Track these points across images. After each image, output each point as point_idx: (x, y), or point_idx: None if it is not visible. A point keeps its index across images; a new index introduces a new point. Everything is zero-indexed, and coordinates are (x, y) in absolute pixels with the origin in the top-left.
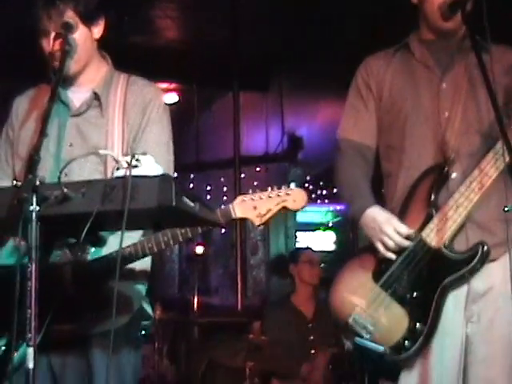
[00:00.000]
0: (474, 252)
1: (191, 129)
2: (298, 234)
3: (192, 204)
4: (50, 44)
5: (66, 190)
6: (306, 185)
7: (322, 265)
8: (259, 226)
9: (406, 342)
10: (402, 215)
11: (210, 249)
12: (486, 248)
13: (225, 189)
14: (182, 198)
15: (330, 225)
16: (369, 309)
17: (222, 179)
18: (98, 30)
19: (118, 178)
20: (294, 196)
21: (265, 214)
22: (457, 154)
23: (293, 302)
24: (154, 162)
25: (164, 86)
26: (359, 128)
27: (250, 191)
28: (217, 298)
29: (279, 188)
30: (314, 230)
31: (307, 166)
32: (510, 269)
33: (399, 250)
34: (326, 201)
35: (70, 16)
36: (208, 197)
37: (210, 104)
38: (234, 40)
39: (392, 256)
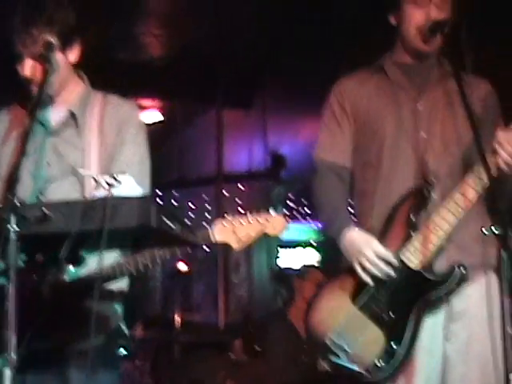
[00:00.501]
0: (451, 272)
1: (174, 145)
2: (280, 251)
3: (172, 224)
4: (24, 70)
5: (45, 209)
6: (289, 202)
7: None
8: (238, 250)
9: (380, 362)
10: (382, 236)
11: (193, 266)
12: (463, 269)
13: (208, 206)
14: (162, 219)
15: (313, 242)
16: (346, 329)
17: (205, 196)
18: (73, 54)
19: (97, 197)
20: (273, 222)
21: (244, 240)
22: (436, 174)
23: (289, 317)
24: (134, 182)
25: (147, 102)
26: (334, 149)
27: (230, 215)
28: (199, 316)
29: (259, 213)
30: (295, 247)
31: (290, 184)
32: (486, 291)
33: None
34: (309, 218)
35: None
36: (191, 214)
37: (192, 121)
38: (218, 57)
39: (368, 280)
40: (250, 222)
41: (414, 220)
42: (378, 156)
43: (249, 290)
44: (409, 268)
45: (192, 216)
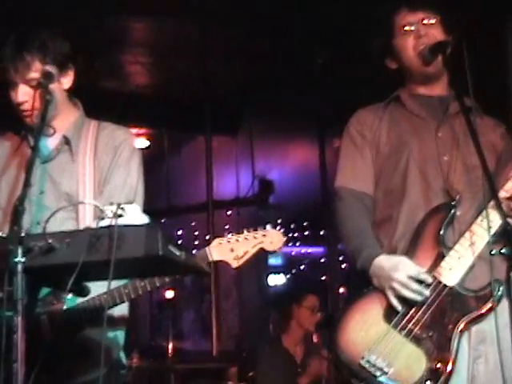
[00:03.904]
0: (490, 290)
1: (161, 173)
2: (270, 276)
3: (178, 252)
4: (17, 96)
5: (50, 240)
6: (278, 228)
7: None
8: (237, 268)
9: (428, 382)
10: (410, 254)
11: (181, 293)
12: (502, 286)
13: (196, 233)
14: (169, 247)
15: (302, 267)
16: (383, 350)
17: (194, 223)
18: (67, 81)
19: (103, 227)
20: (270, 237)
21: (242, 256)
22: (460, 193)
23: (284, 343)
24: (139, 211)
25: (134, 130)
26: (357, 176)
27: (226, 234)
28: (189, 343)
29: (255, 230)
30: (284, 273)
31: (278, 210)
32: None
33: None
34: (298, 244)
35: (36, 68)
36: (179, 241)
37: (179, 148)
38: (205, 84)
39: (399, 307)
40: (246, 239)
41: (443, 236)
42: (403, 182)
43: (240, 316)
44: (445, 286)
45: (181, 243)
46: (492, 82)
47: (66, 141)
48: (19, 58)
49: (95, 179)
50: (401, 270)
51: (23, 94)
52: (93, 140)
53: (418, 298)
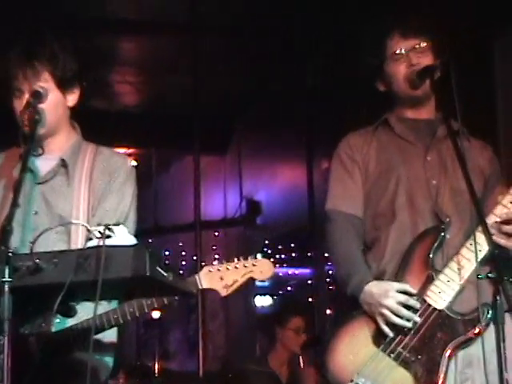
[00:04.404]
0: (479, 313)
1: (149, 193)
2: (257, 298)
3: (166, 274)
4: (22, 105)
5: (37, 260)
6: (265, 249)
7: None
8: (225, 296)
9: None
10: (400, 277)
11: (168, 313)
12: (490, 310)
13: (183, 253)
14: (156, 268)
15: (289, 288)
16: (371, 373)
17: (181, 243)
18: (72, 98)
19: (90, 247)
20: (260, 267)
21: (231, 285)
22: (449, 216)
23: (270, 364)
24: (127, 233)
25: (122, 150)
26: (348, 199)
27: (216, 261)
28: (175, 363)
29: (245, 258)
30: (271, 295)
31: (266, 230)
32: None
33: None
34: (285, 265)
35: (45, 78)
36: (167, 261)
37: (167, 167)
38: (193, 104)
39: (390, 333)
40: (236, 267)
41: (432, 260)
42: (391, 206)
43: (226, 337)
44: (434, 309)
45: (168, 263)
46: (479, 104)
47: (64, 164)
48: (29, 66)
49: (89, 203)
50: (390, 297)
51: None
52: (89, 164)
53: (408, 324)
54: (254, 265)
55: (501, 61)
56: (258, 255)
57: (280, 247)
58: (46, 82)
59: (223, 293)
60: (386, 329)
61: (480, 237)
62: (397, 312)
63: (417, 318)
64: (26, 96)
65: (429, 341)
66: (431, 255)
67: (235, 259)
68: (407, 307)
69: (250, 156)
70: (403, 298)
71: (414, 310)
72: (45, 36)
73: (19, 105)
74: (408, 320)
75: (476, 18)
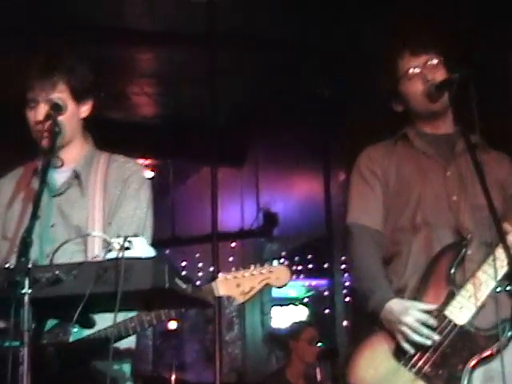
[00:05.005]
0: (500, 329)
1: (166, 204)
2: (272, 309)
3: (184, 285)
4: (37, 115)
5: (57, 272)
6: (282, 260)
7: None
8: (243, 302)
9: None
10: (421, 292)
11: (184, 324)
12: (508, 326)
13: (200, 264)
14: (175, 280)
15: (306, 300)
16: None
17: (198, 255)
18: (85, 109)
19: (110, 259)
20: (277, 273)
21: (248, 292)
22: (471, 232)
23: (287, 376)
24: (147, 244)
25: (140, 161)
26: (369, 213)
27: (233, 269)
28: (192, 375)
29: (262, 265)
30: (287, 305)
31: (283, 242)
32: None
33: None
34: (302, 276)
35: (61, 89)
36: (183, 272)
37: (184, 179)
38: (211, 115)
39: (411, 350)
40: (253, 274)
41: (453, 275)
42: (412, 221)
43: (242, 348)
44: (455, 324)
45: (186, 276)
46: (495, 117)
47: (76, 175)
48: (47, 77)
49: (104, 212)
50: (410, 315)
51: (43, 114)
52: (103, 173)
53: (428, 342)
54: (270, 271)
55: None
56: (275, 262)
57: (296, 258)
58: (61, 93)
59: (240, 299)
60: (406, 346)
61: (501, 253)
62: (416, 330)
63: (436, 337)
64: (42, 106)
65: (450, 356)
66: (452, 271)
67: (252, 266)
68: (427, 325)
69: (266, 167)
70: (423, 316)
71: (434, 329)
72: (61, 48)
73: (33, 115)
74: (428, 338)
75: (490, 29)
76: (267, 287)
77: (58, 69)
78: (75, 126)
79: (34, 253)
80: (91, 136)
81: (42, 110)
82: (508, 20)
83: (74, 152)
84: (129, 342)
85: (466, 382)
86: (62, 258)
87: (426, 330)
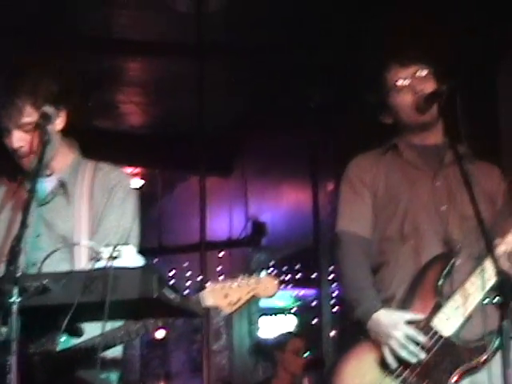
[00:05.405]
0: (486, 341)
1: (154, 213)
2: (260, 319)
3: (172, 295)
4: (13, 143)
5: (45, 281)
6: (270, 270)
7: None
8: (231, 313)
9: None
10: (408, 302)
11: (172, 333)
12: (497, 339)
13: (188, 273)
14: (163, 290)
15: (294, 310)
16: None
17: (186, 264)
18: (59, 121)
19: (98, 269)
20: (264, 284)
21: (236, 303)
22: (459, 243)
23: None
24: (135, 253)
25: (128, 170)
26: (358, 221)
27: (221, 279)
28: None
29: (250, 275)
30: (275, 315)
31: (271, 252)
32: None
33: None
34: (290, 286)
35: (28, 112)
36: (171, 281)
37: (172, 188)
38: (199, 124)
39: (394, 364)
40: (240, 285)
41: (441, 286)
42: (400, 231)
43: (229, 358)
44: (441, 336)
45: (173, 283)
46: (483, 127)
47: (62, 184)
48: (10, 104)
49: (90, 221)
50: (399, 329)
51: (18, 140)
52: (89, 182)
53: (414, 359)
54: (258, 282)
55: (503, 85)
56: (263, 273)
57: (284, 268)
58: (29, 116)
59: (228, 310)
60: (390, 360)
61: (489, 264)
62: (404, 347)
63: (422, 356)
64: (15, 133)
65: (435, 367)
66: (440, 282)
67: (239, 277)
68: (415, 342)
69: (254, 177)
70: (412, 333)
71: (421, 347)
72: (24, 65)
73: (9, 142)
74: (414, 356)
75: (479, 42)
76: (255, 298)
77: (19, 95)
78: (54, 141)
79: (21, 261)
80: (78, 144)
81: (16, 138)
82: (508, 20)
83: (60, 162)
84: (115, 352)
85: None
86: (47, 267)
87: (413, 348)
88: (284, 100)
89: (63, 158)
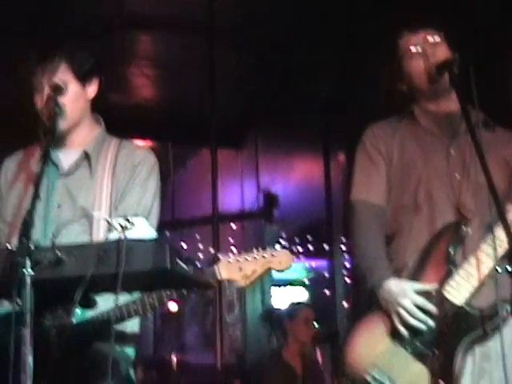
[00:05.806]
0: (496, 309)
1: (166, 186)
2: (272, 290)
3: (186, 267)
4: (43, 101)
5: (59, 253)
6: (282, 242)
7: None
8: (246, 286)
9: None
10: (418, 272)
11: (185, 306)
12: (508, 304)
13: (200, 246)
14: (177, 261)
15: (306, 281)
16: (388, 365)
17: (198, 237)
18: (92, 90)
19: (111, 241)
20: (279, 257)
21: (250, 276)
22: (472, 212)
23: (284, 356)
24: (147, 225)
25: (139, 143)
26: (373, 190)
27: (235, 252)
28: (193, 357)
29: (264, 248)
30: (288, 285)
31: (282, 224)
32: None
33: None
34: (301, 257)
35: (63, 70)
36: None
37: (184, 161)
38: (211, 97)
39: (405, 332)
40: (255, 258)
41: (452, 255)
42: (414, 199)
43: (242, 330)
44: (452, 304)
45: (188, 258)
46: (494, 98)
47: (86, 156)
48: (48, 60)
49: (111, 196)
50: (407, 297)
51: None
52: (112, 158)
53: (423, 326)
54: (272, 255)
55: None
56: (277, 246)
57: (297, 240)
58: (64, 75)
59: (242, 283)
60: (401, 328)
61: (501, 232)
62: (412, 314)
63: (431, 323)
64: (46, 89)
65: (446, 335)
66: (451, 250)
67: (254, 250)
68: (424, 309)
69: (266, 149)
70: (420, 300)
71: (430, 316)
72: (60, 34)
73: (40, 99)
74: (423, 323)
75: (490, 29)
76: (269, 271)
77: (58, 51)
78: (82, 107)
79: (37, 234)
80: (102, 120)
81: (46, 94)
82: (508, 20)
83: (84, 134)
84: (133, 327)
85: (460, 361)
86: (66, 239)
87: (421, 315)
88: (297, 72)
89: (89, 131)
